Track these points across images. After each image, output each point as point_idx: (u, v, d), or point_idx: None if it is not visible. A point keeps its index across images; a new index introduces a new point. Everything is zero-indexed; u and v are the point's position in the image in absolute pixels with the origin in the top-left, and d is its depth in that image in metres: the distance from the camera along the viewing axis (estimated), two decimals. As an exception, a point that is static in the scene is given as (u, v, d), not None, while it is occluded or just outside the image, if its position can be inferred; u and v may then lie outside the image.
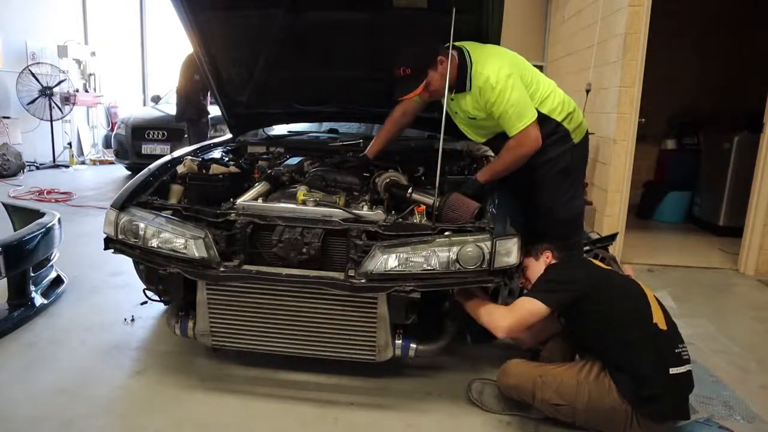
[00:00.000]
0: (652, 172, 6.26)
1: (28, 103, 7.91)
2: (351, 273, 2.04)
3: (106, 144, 9.65)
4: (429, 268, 2.02)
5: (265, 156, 3.08)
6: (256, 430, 2.02)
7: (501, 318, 2.01)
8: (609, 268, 2.25)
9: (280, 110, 3.29)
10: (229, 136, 3.43)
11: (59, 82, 8.17)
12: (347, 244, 2.12)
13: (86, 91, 9.32)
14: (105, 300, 3.15)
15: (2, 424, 1.98)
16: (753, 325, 3.19)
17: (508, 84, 2.25)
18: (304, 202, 2.27)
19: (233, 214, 2.20)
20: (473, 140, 2.69)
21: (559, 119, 2.44)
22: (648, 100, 4.33)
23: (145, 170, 2.59)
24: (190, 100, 5.75)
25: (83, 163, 8.83)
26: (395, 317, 2.09)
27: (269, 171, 2.70)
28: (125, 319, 2.87)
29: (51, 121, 8.23)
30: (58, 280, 3.24)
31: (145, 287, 2.54)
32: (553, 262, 2.22)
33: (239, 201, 2.32)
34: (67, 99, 8.40)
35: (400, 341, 2.16)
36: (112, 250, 2.30)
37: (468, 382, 2.24)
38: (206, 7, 2.65)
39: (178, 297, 2.26)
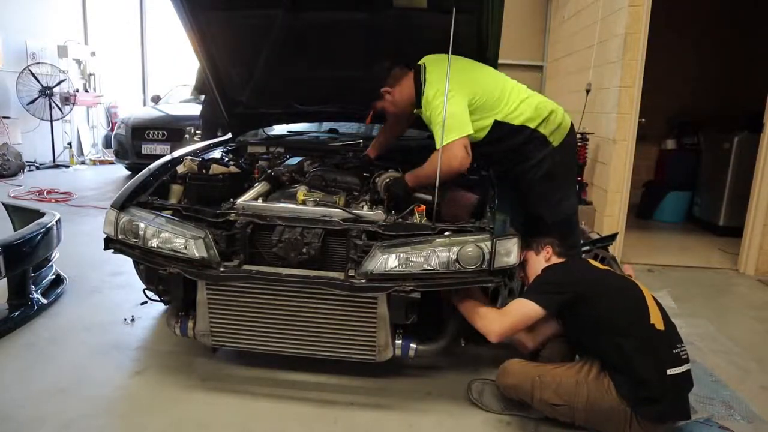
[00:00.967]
0: (652, 172, 6.27)
1: (28, 103, 7.91)
2: (351, 273, 2.04)
3: (106, 144, 9.66)
4: (429, 268, 2.02)
5: (265, 156, 3.08)
6: (256, 430, 2.01)
7: (493, 322, 2.02)
8: (606, 268, 2.24)
9: (280, 110, 3.30)
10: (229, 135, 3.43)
11: (59, 82, 8.17)
12: (347, 244, 2.12)
13: (86, 91, 9.33)
14: (105, 300, 3.15)
15: (2, 424, 1.98)
16: (753, 325, 3.19)
17: (436, 102, 2.22)
18: (304, 202, 2.27)
19: (233, 214, 2.20)
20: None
21: (533, 126, 2.43)
22: (648, 100, 4.33)
23: (145, 170, 2.59)
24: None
25: (83, 163, 8.84)
26: (395, 317, 2.09)
27: (269, 171, 2.70)
28: (125, 319, 2.87)
29: (51, 121, 8.23)
30: (58, 280, 3.24)
31: (145, 287, 2.55)
32: (553, 257, 2.22)
33: (239, 201, 2.31)
34: (67, 99, 8.40)
35: (400, 341, 2.16)
36: (112, 250, 2.30)
37: (468, 382, 2.24)
38: (206, 7, 2.65)
39: (178, 297, 2.26)
